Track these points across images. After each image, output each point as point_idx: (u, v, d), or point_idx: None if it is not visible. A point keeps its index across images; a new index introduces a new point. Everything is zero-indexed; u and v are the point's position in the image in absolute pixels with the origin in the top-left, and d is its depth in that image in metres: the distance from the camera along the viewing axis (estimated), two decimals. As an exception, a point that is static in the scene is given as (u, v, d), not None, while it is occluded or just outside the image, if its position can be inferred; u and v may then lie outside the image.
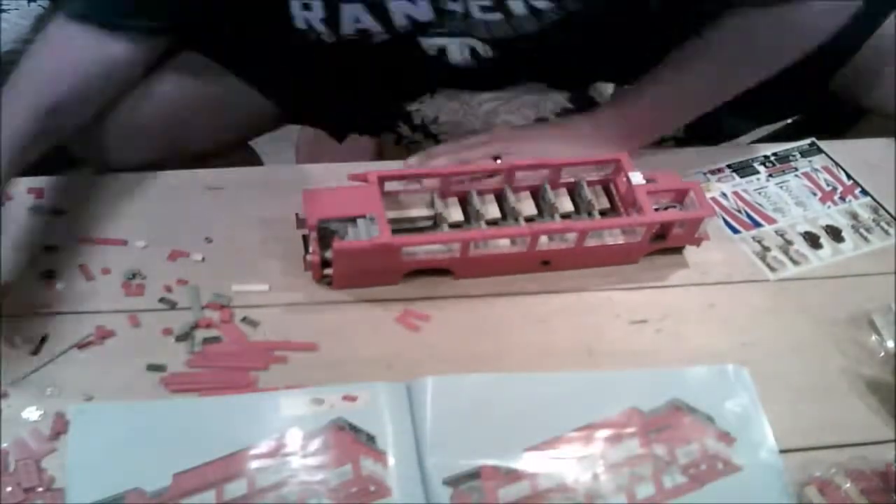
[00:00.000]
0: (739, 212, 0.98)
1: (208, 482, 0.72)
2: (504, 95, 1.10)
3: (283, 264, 0.90)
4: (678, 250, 0.94)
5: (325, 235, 0.86)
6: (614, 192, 0.94)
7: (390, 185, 0.91)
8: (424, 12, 0.93)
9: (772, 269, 0.92)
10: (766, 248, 0.94)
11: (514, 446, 0.75)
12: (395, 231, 0.86)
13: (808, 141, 1.07)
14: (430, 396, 0.77)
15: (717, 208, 0.98)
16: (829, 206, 1.00)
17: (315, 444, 0.74)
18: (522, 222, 0.90)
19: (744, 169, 1.03)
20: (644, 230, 0.90)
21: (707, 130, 1.15)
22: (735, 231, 0.96)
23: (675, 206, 0.93)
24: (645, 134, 1.00)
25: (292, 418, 0.76)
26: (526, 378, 0.81)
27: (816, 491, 0.73)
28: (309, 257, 0.87)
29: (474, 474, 0.73)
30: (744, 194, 1.00)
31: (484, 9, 0.93)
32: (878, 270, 0.93)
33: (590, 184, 0.94)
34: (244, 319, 0.84)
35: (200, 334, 0.83)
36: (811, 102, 1.15)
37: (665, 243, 0.92)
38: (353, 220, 0.86)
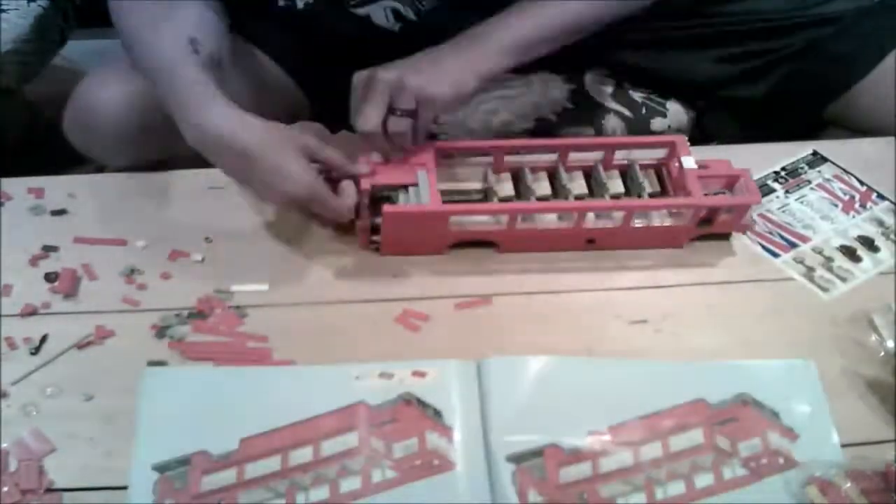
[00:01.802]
0: (772, 234, 0.96)
1: (275, 448, 0.74)
2: (504, 94, 1.10)
3: (283, 264, 0.90)
4: (725, 237, 0.94)
5: (377, 201, 0.87)
6: (666, 176, 0.94)
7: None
8: None
9: (823, 289, 0.91)
10: (811, 269, 0.93)
11: (578, 428, 0.77)
12: (446, 202, 0.87)
13: (809, 151, 1.06)
14: (498, 375, 0.79)
15: (750, 234, 0.96)
16: (853, 216, 0.98)
17: (382, 416, 0.76)
18: (572, 200, 0.91)
19: (760, 189, 0.99)
20: (691, 213, 0.90)
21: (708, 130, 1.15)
22: (774, 255, 0.94)
23: (724, 193, 0.93)
24: (483, 75, 0.91)
25: (361, 390, 0.78)
26: (595, 362, 0.82)
27: (817, 491, 0.73)
28: (359, 222, 0.88)
29: (538, 452, 0.75)
30: (769, 215, 0.98)
31: None
32: (877, 270, 0.93)
33: (643, 167, 0.94)
34: (244, 316, 0.85)
35: (190, 332, 0.83)
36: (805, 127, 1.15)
37: (711, 228, 0.92)
38: (405, 187, 0.87)
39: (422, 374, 0.79)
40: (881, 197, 1.01)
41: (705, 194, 0.90)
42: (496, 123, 1.09)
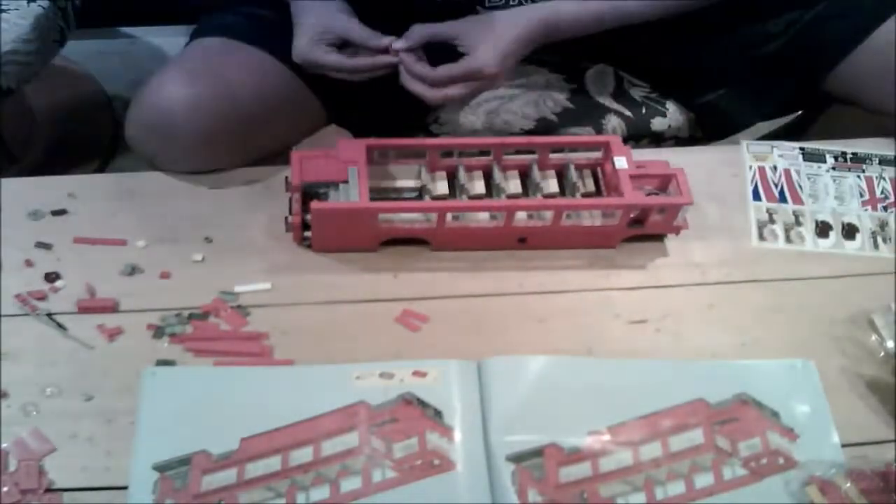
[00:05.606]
0: (775, 185, 0.97)
1: (275, 448, 0.74)
2: (505, 94, 1.10)
3: (282, 264, 0.90)
4: (659, 238, 0.94)
5: (309, 198, 0.88)
6: (601, 176, 0.95)
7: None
8: None
9: (761, 238, 0.92)
10: (772, 221, 0.93)
11: (578, 428, 0.77)
12: (380, 199, 0.87)
13: (893, 152, 1.04)
14: (499, 375, 0.79)
15: (759, 174, 0.96)
16: (867, 210, 0.98)
17: (383, 416, 0.77)
18: (504, 199, 0.91)
19: (812, 154, 1.01)
20: (621, 213, 0.90)
21: (708, 125, 1.15)
22: (757, 198, 0.96)
23: (657, 194, 0.93)
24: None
25: (362, 390, 0.78)
26: (595, 362, 0.83)
27: (817, 491, 0.73)
28: (290, 218, 0.88)
29: (538, 452, 0.75)
30: (793, 173, 0.98)
31: None
32: (878, 270, 0.93)
33: (578, 167, 0.94)
34: (247, 315, 0.85)
35: (190, 331, 0.83)
36: (808, 100, 1.15)
37: (643, 229, 0.92)
38: (336, 184, 0.88)
39: (422, 374, 0.79)
40: None
41: (647, 194, 0.91)
42: (498, 123, 1.09)
